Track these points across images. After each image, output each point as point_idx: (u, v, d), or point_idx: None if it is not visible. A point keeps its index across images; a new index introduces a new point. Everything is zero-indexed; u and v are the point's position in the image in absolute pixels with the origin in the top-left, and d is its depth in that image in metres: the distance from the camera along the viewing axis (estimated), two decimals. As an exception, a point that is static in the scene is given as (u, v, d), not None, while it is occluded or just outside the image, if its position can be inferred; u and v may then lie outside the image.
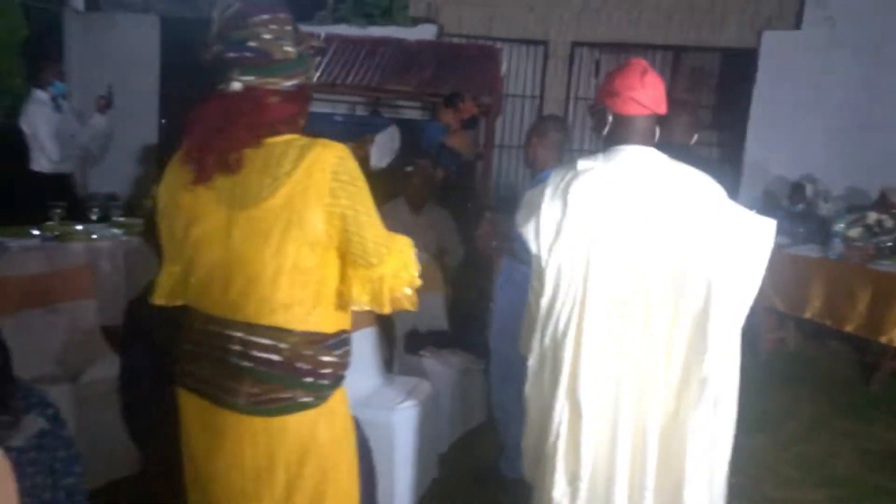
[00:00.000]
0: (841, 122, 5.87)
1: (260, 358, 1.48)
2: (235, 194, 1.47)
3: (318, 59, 1.54)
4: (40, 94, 4.98)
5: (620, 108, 2.02)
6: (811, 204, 5.44)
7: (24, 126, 4.93)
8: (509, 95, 7.08)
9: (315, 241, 1.47)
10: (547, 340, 2.10)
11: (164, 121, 4.99)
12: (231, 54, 1.49)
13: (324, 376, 1.53)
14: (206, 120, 1.50)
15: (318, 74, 6.17)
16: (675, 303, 1.96)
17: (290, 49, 1.52)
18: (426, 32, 7.00)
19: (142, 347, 2.26)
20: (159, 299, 1.66)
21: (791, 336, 5.05)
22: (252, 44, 1.49)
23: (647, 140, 2.03)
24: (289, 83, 1.53)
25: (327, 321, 1.54)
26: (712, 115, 7.07)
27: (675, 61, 6.94)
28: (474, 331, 4.16)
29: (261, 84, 1.50)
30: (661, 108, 2.02)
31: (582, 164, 2.04)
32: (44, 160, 5.00)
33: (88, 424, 2.52)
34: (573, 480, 2.07)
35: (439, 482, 3.11)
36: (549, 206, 2.05)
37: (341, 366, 1.58)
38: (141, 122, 5.48)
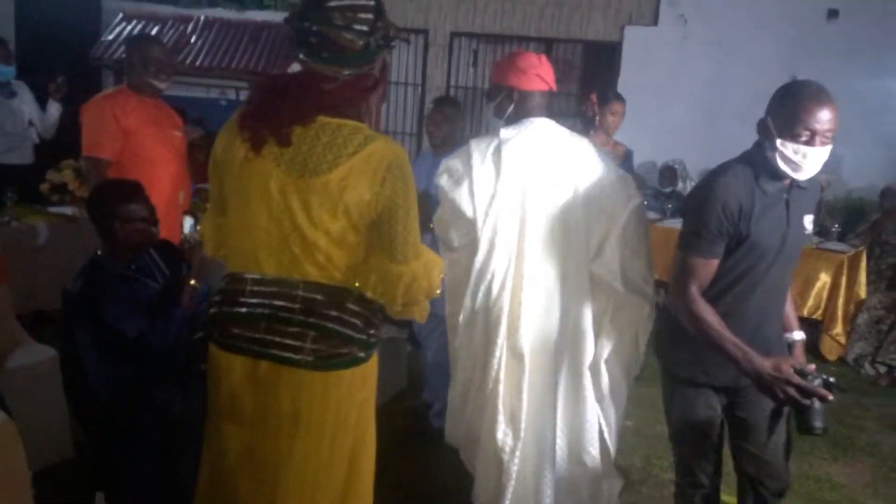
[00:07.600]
0: (695, 110, 6.55)
1: (324, 314, 1.54)
2: (296, 162, 1.51)
3: (389, 50, 1.61)
4: None
5: (526, 85, 2.28)
6: (678, 184, 6.07)
7: None
8: (392, 83, 7.24)
9: (359, 220, 1.53)
10: (480, 295, 2.24)
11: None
12: (298, 35, 1.52)
13: (371, 335, 1.64)
14: (264, 93, 1.57)
15: (200, 58, 6.04)
16: (585, 253, 2.22)
17: (356, 39, 1.52)
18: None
19: (85, 325, 2.23)
20: (211, 251, 1.72)
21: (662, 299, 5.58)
22: (316, 28, 1.50)
23: (544, 113, 2.30)
24: (347, 72, 1.54)
25: None
26: (577, 103, 7.59)
27: (546, 52, 7.40)
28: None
29: (319, 69, 1.53)
30: (555, 85, 2.32)
31: (504, 133, 2.26)
32: None
33: (17, 413, 2.42)
34: (514, 421, 2.25)
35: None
36: (481, 169, 2.23)
37: (379, 330, 1.68)
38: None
